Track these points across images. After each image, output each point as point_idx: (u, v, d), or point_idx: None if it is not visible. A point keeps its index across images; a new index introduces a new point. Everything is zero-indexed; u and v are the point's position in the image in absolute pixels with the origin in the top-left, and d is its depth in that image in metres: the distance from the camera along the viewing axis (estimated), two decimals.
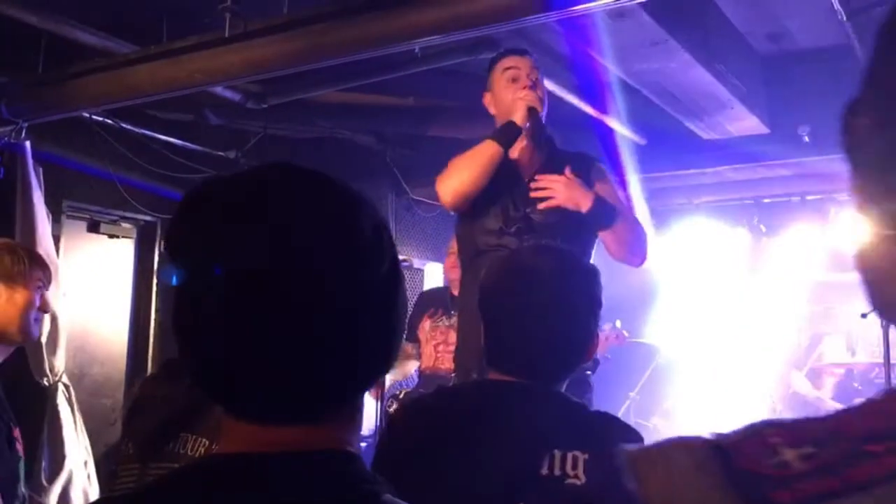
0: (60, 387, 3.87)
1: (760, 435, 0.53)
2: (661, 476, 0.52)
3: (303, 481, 0.73)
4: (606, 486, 1.34)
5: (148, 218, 5.06)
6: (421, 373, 4.08)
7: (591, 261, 2.61)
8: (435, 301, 4.17)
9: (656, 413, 5.18)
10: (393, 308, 0.80)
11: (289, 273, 0.72)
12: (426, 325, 4.08)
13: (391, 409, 3.61)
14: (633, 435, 1.48)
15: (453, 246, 3.99)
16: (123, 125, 4.45)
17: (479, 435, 1.42)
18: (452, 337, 3.90)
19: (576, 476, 1.35)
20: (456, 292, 3.93)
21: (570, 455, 1.36)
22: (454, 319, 3.88)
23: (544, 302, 1.49)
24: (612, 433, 1.45)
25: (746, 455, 0.51)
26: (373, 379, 0.82)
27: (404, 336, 0.87)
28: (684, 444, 0.54)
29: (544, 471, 1.35)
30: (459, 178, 2.56)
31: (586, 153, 2.79)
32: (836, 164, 5.25)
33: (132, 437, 1.65)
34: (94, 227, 4.91)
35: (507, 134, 2.57)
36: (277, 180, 0.78)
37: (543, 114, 2.64)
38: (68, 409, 3.88)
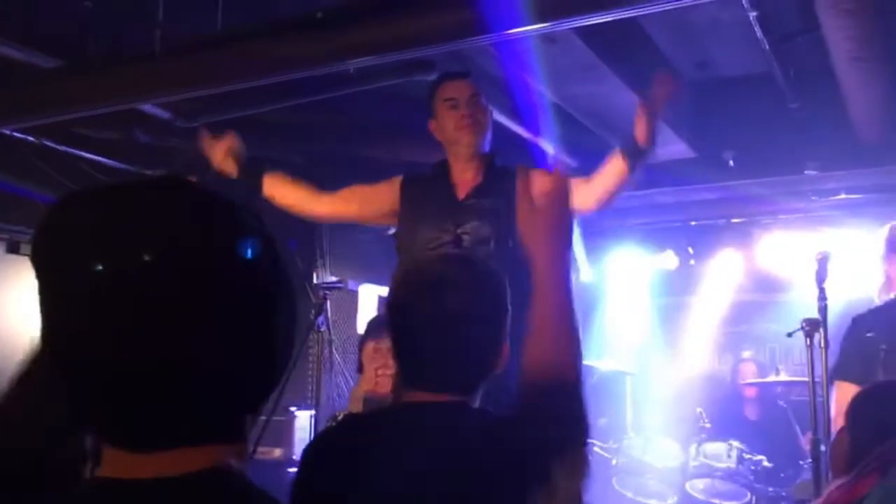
0: None
1: None
2: None
3: (175, 498, 0.72)
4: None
5: None
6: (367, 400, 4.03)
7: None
8: (381, 325, 4.14)
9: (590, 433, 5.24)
10: (269, 330, 0.77)
11: (144, 289, 0.70)
12: (369, 347, 4.04)
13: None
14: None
15: None
16: (47, 143, 4.31)
17: (396, 470, 1.38)
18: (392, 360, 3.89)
19: None
20: None
21: None
22: None
23: (454, 311, 1.45)
24: (522, 440, 1.43)
25: None
26: (253, 402, 0.79)
27: (292, 358, 0.83)
28: None
29: None
30: None
31: (523, 165, 2.83)
32: (759, 189, 5.47)
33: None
34: (13, 248, 4.72)
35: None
36: (135, 192, 0.75)
37: (488, 133, 2.69)
38: None
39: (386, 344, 3.98)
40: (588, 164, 5.17)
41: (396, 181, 2.77)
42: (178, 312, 0.71)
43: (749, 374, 5.67)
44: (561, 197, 1.47)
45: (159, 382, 0.71)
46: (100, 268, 0.70)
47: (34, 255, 0.74)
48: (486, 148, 2.72)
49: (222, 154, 2.82)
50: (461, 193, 2.68)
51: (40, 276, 0.74)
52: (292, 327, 0.82)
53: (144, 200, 0.75)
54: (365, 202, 2.82)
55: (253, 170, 2.85)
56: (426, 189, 2.72)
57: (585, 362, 1.69)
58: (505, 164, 2.77)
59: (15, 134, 4.12)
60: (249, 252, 0.76)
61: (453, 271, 1.52)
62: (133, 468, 0.73)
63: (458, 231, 2.59)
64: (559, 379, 1.22)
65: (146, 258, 0.70)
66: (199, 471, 0.73)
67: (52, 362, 0.74)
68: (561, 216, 1.47)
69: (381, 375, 3.88)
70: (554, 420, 1.27)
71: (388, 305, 1.55)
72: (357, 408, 3.73)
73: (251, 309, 0.75)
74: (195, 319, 0.72)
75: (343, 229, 5.82)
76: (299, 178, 2.90)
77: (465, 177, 2.69)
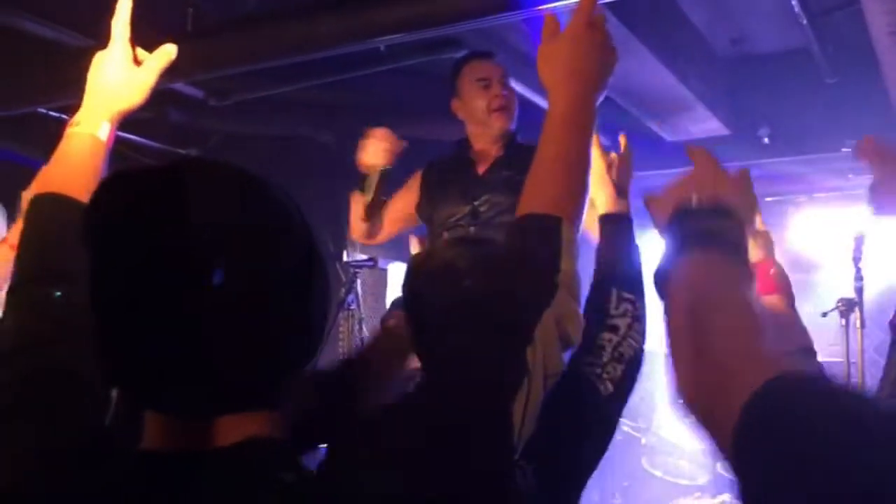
0: None
1: None
2: None
3: (212, 475, 0.73)
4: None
5: None
6: None
7: None
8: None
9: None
10: (306, 302, 0.79)
11: (181, 271, 0.72)
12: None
13: None
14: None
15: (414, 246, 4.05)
16: None
17: None
18: None
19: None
20: None
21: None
22: None
23: (465, 294, 1.38)
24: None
25: None
26: (293, 371, 0.81)
27: (327, 330, 0.86)
28: None
29: None
30: (352, 225, 2.83)
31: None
32: (794, 167, 5.38)
33: None
34: None
35: (360, 181, 2.72)
36: (175, 174, 0.77)
37: (515, 114, 2.67)
38: None
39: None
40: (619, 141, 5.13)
41: (416, 180, 2.78)
42: (221, 290, 0.72)
43: None
44: (595, 25, 1.14)
45: (204, 354, 0.73)
46: (146, 247, 0.72)
47: (87, 229, 0.76)
48: (513, 129, 2.71)
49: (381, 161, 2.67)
50: (481, 168, 2.69)
51: (92, 250, 0.75)
52: (327, 301, 0.84)
53: (190, 182, 0.76)
54: (402, 217, 2.83)
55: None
56: (446, 170, 2.72)
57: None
58: (528, 140, 2.75)
59: (50, 113, 4.18)
60: (288, 230, 0.79)
61: (461, 256, 1.46)
62: (179, 439, 0.76)
63: (475, 204, 2.59)
64: (545, 223, 0.98)
65: (195, 238, 0.72)
66: (234, 444, 0.75)
67: (94, 327, 0.76)
68: (592, 46, 1.13)
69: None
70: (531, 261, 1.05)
71: (404, 294, 1.53)
72: None
73: (291, 284, 0.78)
74: (238, 296, 0.74)
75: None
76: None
77: (486, 154, 2.69)
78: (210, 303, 0.72)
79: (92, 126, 1.21)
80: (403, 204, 2.80)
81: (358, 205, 2.75)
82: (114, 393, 0.94)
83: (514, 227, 1.03)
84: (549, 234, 0.98)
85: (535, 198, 1.03)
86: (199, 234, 0.73)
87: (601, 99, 1.13)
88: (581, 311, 1.08)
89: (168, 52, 1.27)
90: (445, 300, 1.39)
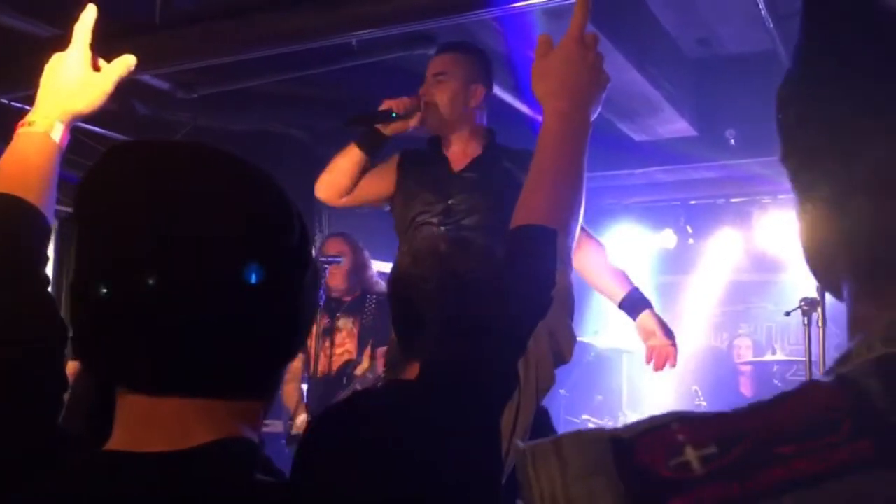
0: None
1: (667, 429, 0.44)
2: (552, 474, 0.44)
3: (183, 477, 0.72)
4: None
5: (70, 210, 4.89)
6: (311, 379, 3.92)
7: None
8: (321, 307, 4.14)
9: (586, 410, 5.27)
10: (299, 292, 0.79)
11: (180, 256, 0.71)
12: (314, 332, 4.01)
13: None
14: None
15: (330, 249, 4.06)
16: None
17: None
18: (338, 338, 3.91)
19: None
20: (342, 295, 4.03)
21: None
22: (340, 322, 3.95)
23: (458, 303, 1.37)
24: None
25: (646, 452, 0.43)
26: (273, 361, 0.80)
27: (311, 323, 0.85)
28: (580, 438, 0.45)
29: None
30: (326, 178, 2.68)
31: (530, 150, 2.78)
32: (761, 168, 5.45)
33: None
34: None
35: (366, 139, 2.61)
36: (168, 159, 0.76)
37: (438, 113, 2.60)
38: None
39: (321, 325, 3.97)
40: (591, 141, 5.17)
41: (394, 160, 2.74)
42: (220, 274, 0.72)
43: (744, 351, 5.69)
44: (587, 44, 1.17)
45: (194, 333, 0.72)
46: (144, 224, 0.72)
47: (80, 202, 0.76)
48: (447, 127, 2.66)
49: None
50: (456, 166, 2.68)
51: (83, 223, 0.76)
52: (315, 292, 0.84)
53: (188, 163, 0.76)
54: (372, 195, 2.73)
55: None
56: (421, 164, 2.70)
57: (583, 339, 1.60)
58: (506, 143, 2.75)
59: (13, 104, 4.10)
60: (288, 217, 0.78)
61: (443, 241, 1.49)
62: (143, 433, 0.73)
63: (449, 202, 2.58)
64: (542, 235, 1.01)
65: (192, 218, 0.72)
66: (206, 444, 0.73)
67: (76, 307, 0.75)
68: (584, 64, 1.16)
69: (328, 356, 3.90)
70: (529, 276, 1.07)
71: (391, 298, 1.50)
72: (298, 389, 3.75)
73: (288, 273, 0.77)
74: (235, 280, 0.72)
75: None
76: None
77: (456, 150, 2.68)
78: (207, 285, 0.71)
79: (45, 126, 1.17)
80: (376, 183, 2.70)
81: (353, 161, 2.60)
82: (66, 396, 0.93)
83: (511, 239, 1.05)
84: (546, 246, 1.01)
85: (530, 210, 1.05)
86: (194, 214, 0.72)
87: (595, 114, 1.17)
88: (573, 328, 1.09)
89: (128, 62, 1.25)
90: (437, 307, 1.35)
